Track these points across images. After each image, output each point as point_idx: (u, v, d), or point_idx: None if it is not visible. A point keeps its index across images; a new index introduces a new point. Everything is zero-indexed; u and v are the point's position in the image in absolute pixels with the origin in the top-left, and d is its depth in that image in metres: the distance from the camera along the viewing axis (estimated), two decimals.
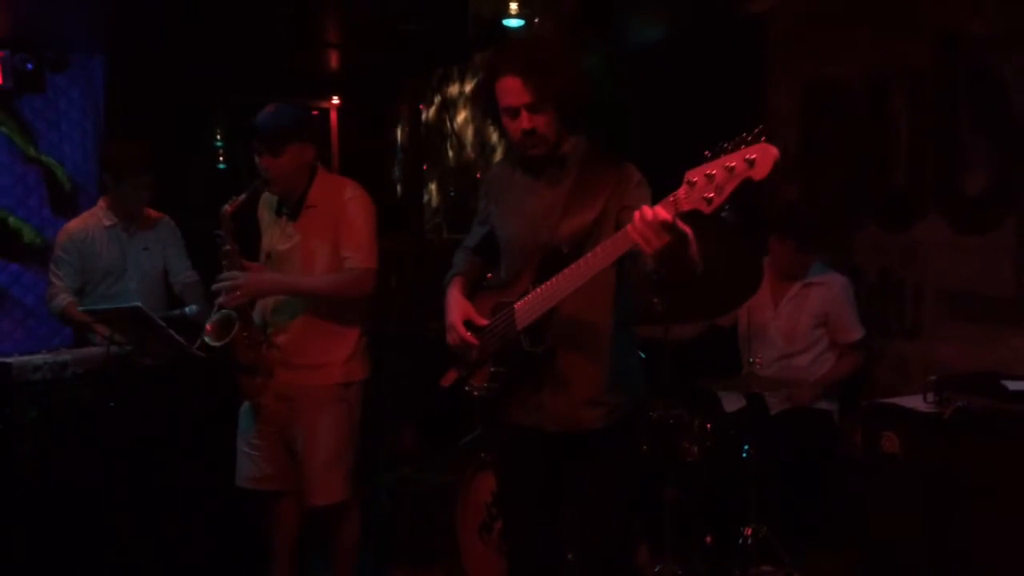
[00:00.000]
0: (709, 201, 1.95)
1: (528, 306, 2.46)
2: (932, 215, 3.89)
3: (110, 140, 5.36)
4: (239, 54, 5.78)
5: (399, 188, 7.32)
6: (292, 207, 3.37)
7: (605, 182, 2.47)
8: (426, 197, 7.00)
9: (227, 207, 3.27)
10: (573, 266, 2.34)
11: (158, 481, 3.55)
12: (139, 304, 3.41)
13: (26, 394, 3.32)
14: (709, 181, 1.94)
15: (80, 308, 3.85)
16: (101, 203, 4.19)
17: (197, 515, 3.69)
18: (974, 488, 2.99)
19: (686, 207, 2.00)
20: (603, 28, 4.81)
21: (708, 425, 3.63)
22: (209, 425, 3.65)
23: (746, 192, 1.92)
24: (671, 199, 2.04)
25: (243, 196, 3.29)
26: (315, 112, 7.30)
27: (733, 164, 1.91)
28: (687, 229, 2.08)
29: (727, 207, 1.95)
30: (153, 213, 4.27)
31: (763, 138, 1.90)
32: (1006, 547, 2.90)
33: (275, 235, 3.41)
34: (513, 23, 5.16)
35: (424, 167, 7.09)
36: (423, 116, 6.94)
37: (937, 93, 3.85)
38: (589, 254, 2.31)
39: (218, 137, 6.83)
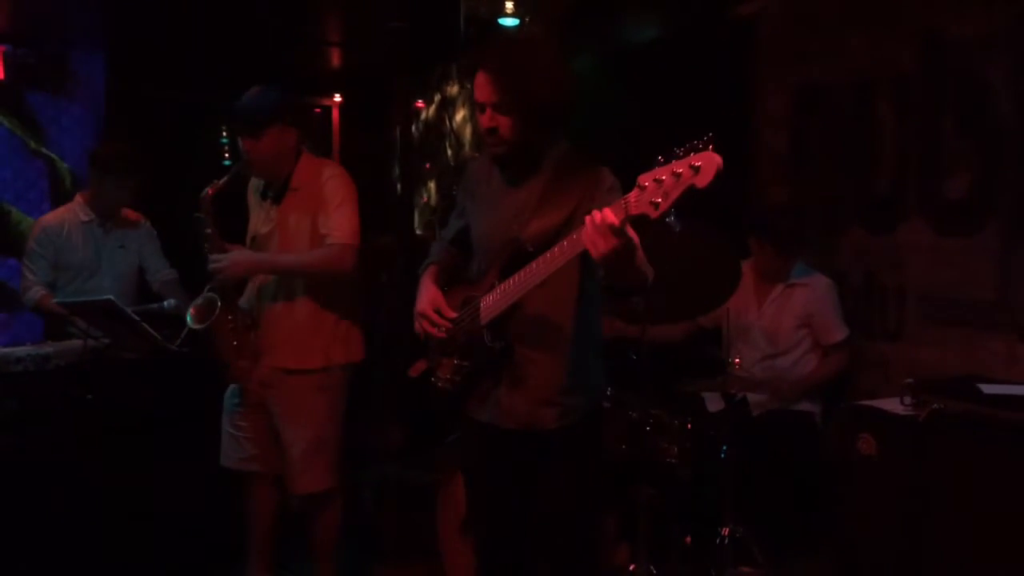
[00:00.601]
0: (656, 206, 1.95)
1: (492, 302, 2.49)
2: (915, 218, 3.89)
3: (101, 138, 5.39)
4: (241, 51, 5.82)
5: (399, 185, 7.36)
6: (276, 191, 3.40)
7: (577, 185, 2.47)
8: (425, 195, 7.03)
9: (208, 190, 3.30)
10: (532, 264, 2.36)
11: (139, 472, 3.58)
12: (112, 297, 3.45)
13: (7, 385, 3.36)
14: (658, 186, 1.95)
15: (55, 300, 3.89)
16: (79, 198, 4.24)
17: (177, 506, 3.72)
18: (949, 490, 2.99)
19: (635, 211, 2.01)
20: (594, 28, 4.82)
21: (688, 425, 3.64)
22: (190, 417, 3.68)
23: (691, 199, 1.92)
24: (622, 203, 2.05)
25: (224, 179, 3.31)
26: (317, 110, 7.34)
27: (680, 170, 1.91)
28: (634, 234, 2.09)
29: (673, 213, 1.96)
30: (132, 215, 4.31)
31: (711, 146, 1.90)
32: (980, 549, 2.90)
33: (259, 218, 3.45)
34: (508, 22, 5.19)
35: (428, 166, 7.11)
36: (423, 115, 6.96)
37: (922, 96, 3.85)
38: (548, 252, 2.32)
39: (224, 135, 6.87)
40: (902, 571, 3.13)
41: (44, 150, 5.76)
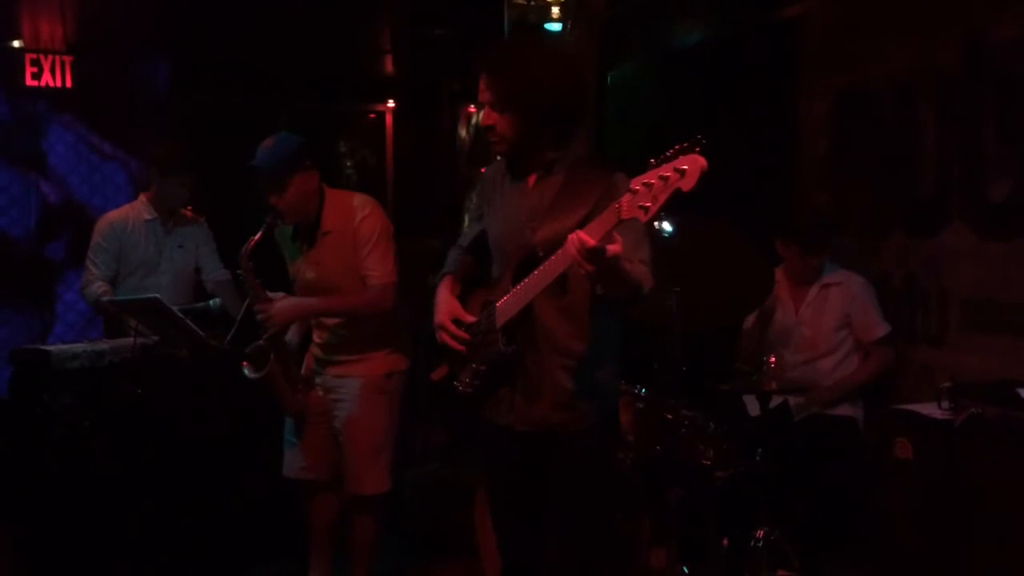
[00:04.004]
0: (645, 210, 2.01)
1: (506, 306, 2.52)
2: (957, 222, 3.83)
3: (160, 137, 5.55)
4: (298, 59, 5.97)
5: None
6: (307, 233, 3.50)
7: (592, 190, 2.48)
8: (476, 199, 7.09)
9: (245, 247, 3.40)
10: (539, 268, 2.40)
11: (188, 466, 3.71)
12: (157, 296, 3.58)
13: (64, 381, 3.51)
14: (647, 190, 2.00)
15: (105, 299, 4.05)
16: (142, 197, 4.39)
17: (225, 501, 3.84)
18: (985, 495, 2.95)
19: (627, 216, 2.07)
20: (638, 32, 4.86)
21: (725, 427, 3.64)
22: (238, 414, 3.80)
23: (678, 202, 1.97)
24: (615, 207, 2.10)
25: (258, 235, 3.41)
26: (372, 115, 7.48)
27: (667, 174, 1.96)
28: (618, 248, 2.14)
29: (662, 216, 2.01)
30: (188, 213, 4.44)
31: (697, 148, 1.94)
32: (1016, 554, 2.85)
33: (298, 263, 3.55)
34: (554, 27, 5.25)
35: (483, 170, 7.18)
36: (473, 119, 7.04)
37: (964, 99, 3.80)
38: (546, 261, 2.36)
39: None
40: None
41: (115, 152, 5.94)
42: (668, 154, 1.99)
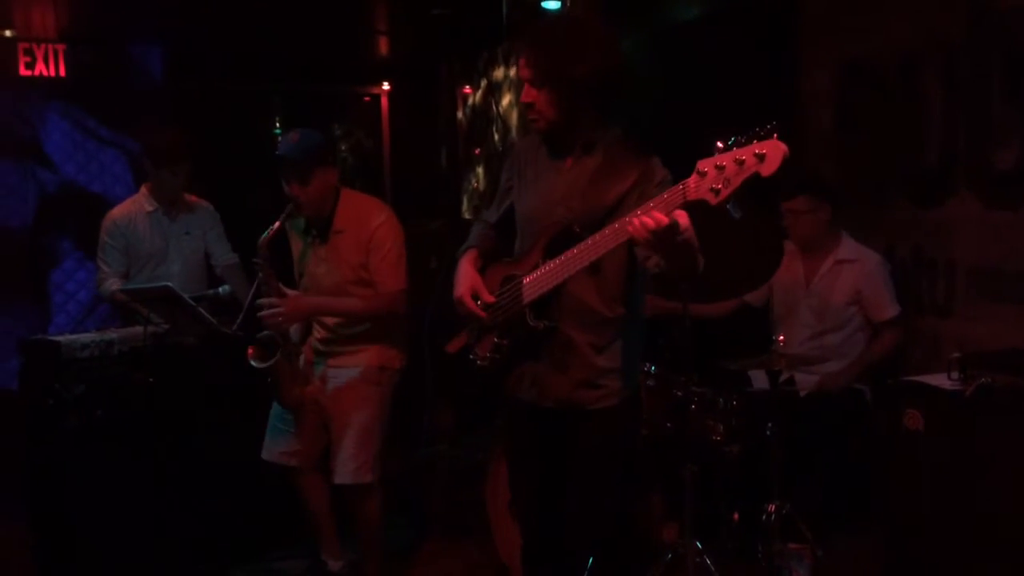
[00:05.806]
0: (716, 192, 1.97)
1: (536, 281, 2.48)
2: (963, 191, 3.83)
3: (150, 127, 5.53)
4: (292, 42, 5.94)
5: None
6: (320, 229, 3.53)
7: (629, 173, 2.47)
8: (474, 180, 7.10)
9: (264, 238, 3.40)
10: (579, 246, 2.36)
11: (197, 453, 3.72)
12: (169, 284, 3.58)
13: (74, 370, 3.51)
14: (719, 172, 1.96)
15: (117, 288, 4.04)
16: (143, 189, 4.37)
17: (233, 485, 3.84)
18: (996, 464, 2.96)
19: (693, 197, 2.03)
20: (637, 6, 4.83)
21: (734, 403, 3.66)
22: (249, 400, 3.81)
23: (753, 187, 1.93)
24: (680, 188, 2.07)
25: (277, 224, 3.42)
26: (367, 99, 7.44)
27: (743, 157, 1.92)
28: (688, 224, 2.12)
29: (733, 200, 1.97)
30: (192, 198, 4.42)
31: (775, 134, 1.91)
32: None
33: (308, 257, 3.57)
34: (551, 5, 5.22)
35: (477, 151, 7.18)
36: (470, 100, 7.01)
37: (969, 67, 3.78)
38: (596, 235, 2.33)
39: (277, 125, 7.03)
40: (949, 547, 3.11)
41: (112, 139, 5.89)
42: (741, 138, 1.95)
